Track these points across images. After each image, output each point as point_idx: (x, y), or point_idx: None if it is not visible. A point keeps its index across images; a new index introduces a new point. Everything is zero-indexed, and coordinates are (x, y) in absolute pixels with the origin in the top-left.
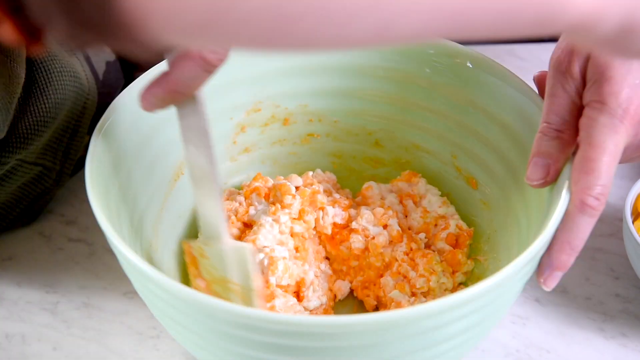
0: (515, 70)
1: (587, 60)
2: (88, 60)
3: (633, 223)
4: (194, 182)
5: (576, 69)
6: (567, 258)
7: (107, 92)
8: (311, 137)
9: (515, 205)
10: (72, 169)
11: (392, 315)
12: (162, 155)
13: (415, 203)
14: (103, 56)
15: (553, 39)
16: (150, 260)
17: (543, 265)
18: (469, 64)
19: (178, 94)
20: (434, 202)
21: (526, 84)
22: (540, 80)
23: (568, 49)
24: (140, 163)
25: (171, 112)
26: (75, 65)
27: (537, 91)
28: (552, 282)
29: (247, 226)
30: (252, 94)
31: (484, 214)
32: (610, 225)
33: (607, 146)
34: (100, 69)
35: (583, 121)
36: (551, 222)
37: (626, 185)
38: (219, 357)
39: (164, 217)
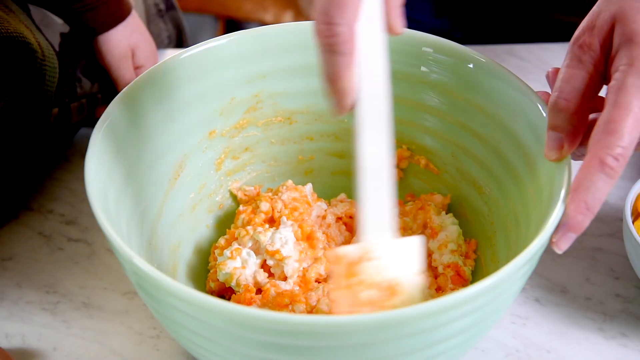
0: (515, 70)
1: (609, 33)
2: (39, 29)
3: (633, 223)
4: (363, 172)
5: (596, 42)
6: (583, 219)
7: (67, 64)
8: (312, 137)
9: (515, 205)
10: (50, 147)
11: (391, 315)
12: (162, 154)
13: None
14: (56, 28)
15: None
16: (150, 259)
17: (557, 225)
18: (468, 64)
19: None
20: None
21: (526, 84)
22: (553, 76)
23: (589, 26)
24: (140, 162)
25: (170, 112)
26: (22, 30)
27: (537, 90)
28: (564, 244)
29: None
30: (253, 92)
31: (484, 214)
32: (610, 225)
33: (633, 108)
34: (55, 40)
35: (612, 84)
36: (550, 222)
37: (626, 185)
38: (218, 357)
39: (164, 216)
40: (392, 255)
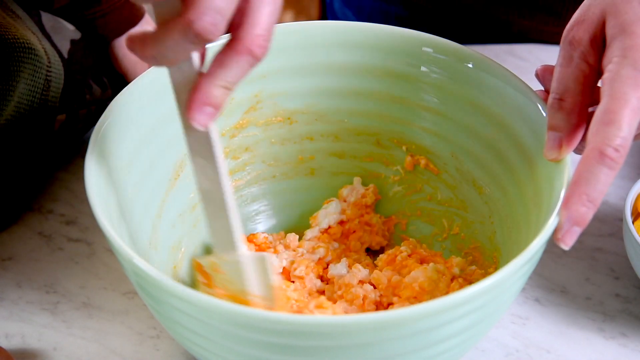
0: (515, 70)
1: (599, 27)
2: (48, 37)
3: (633, 223)
4: (203, 196)
5: (585, 36)
6: (586, 211)
7: (75, 70)
8: (312, 137)
9: (515, 205)
10: (55, 153)
11: (391, 315)
12: (162, 154)
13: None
14: (67, 34)
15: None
16: (150, 259)
17: (561, 220)
18: (468, 64)
19: (156, 60)
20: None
21: (526, 84)
22: (543, 73)
23: (579, 20)
24: (140, 162)
25: (170, 112)
26: (29, 37)
27: (537, 89)
28: (570, 239)
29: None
30: (252, 92)
31: (484, 214)
32: (610, 225)
33: (630, 99)
34: (65, 46)
35: (606, 76)
36: (550, 222)
37: (626, 185)
38: (218, 357)
39: (164, 216)
40: (237, 270)
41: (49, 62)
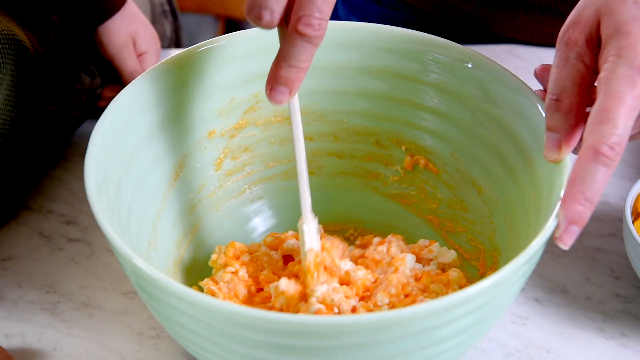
0: (514, 70)
1: (595, 28)
2: (33, 27)
3: (633, 223)
4: (301, 164)
5: (581, 37)
6: (583, 210)
7: (63, 60)
8: (312, 137)
9: (515, 205)
10: (50, 147)
11: (391, 315)
12: (162, 154)
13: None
14: (52, 24)
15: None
16: (150, 259)
17: (559, 219)
18: (468, 64)
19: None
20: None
21: (526, 85)
22: (542, 73)
23: (574, 21)
24: (140, 163)
25: (169, 112)
26: (13, 28)
27: (536, 89)
28: (568, 238)
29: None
30: (252, 92)
31: (484, 214)
32: (610, 225)
33: (625, 97)
34: (50, 37)
35: (601, 75)
36: (550, 222)
37: (626, 185)
38: (218, 357)
39: (164, 216)
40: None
41: (35, 53)
